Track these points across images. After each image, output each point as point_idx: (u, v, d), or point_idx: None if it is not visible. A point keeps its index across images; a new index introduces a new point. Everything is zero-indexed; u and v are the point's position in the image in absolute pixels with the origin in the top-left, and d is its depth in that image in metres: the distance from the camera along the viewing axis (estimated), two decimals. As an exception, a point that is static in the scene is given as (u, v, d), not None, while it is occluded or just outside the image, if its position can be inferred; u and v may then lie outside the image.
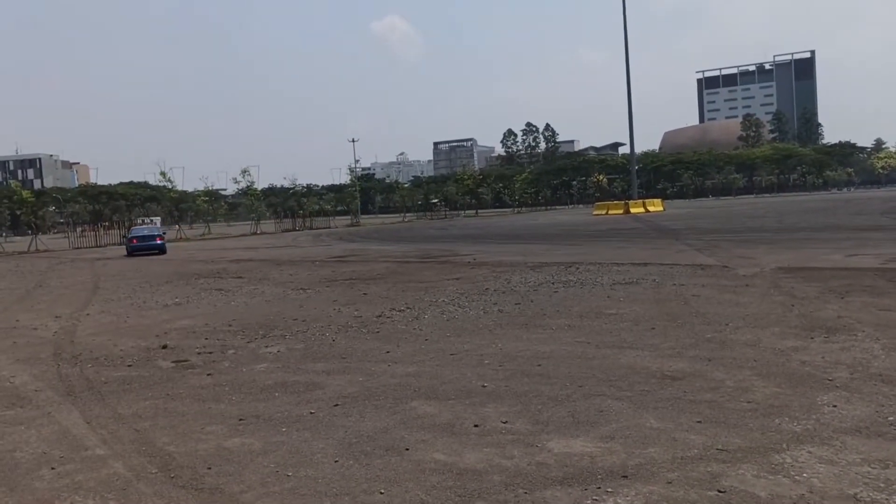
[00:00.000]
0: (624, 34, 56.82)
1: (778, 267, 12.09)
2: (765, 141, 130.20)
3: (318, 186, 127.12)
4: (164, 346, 8.33)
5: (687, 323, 7.74)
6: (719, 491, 3.39)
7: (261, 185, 73.34)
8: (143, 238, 32.03)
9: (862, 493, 3.25)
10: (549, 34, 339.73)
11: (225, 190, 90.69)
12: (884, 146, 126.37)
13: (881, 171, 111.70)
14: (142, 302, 12.98)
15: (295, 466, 4.25)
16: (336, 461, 4.30)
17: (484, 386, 5.77)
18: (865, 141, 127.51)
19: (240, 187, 61.73)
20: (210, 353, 7.84)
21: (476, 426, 4.78)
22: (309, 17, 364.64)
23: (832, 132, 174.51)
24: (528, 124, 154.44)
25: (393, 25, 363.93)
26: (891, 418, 4.21)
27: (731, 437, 4.13)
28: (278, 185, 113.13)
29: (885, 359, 5.59)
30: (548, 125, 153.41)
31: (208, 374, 6.80)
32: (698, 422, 4.45)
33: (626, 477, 3.69)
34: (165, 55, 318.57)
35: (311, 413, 5.35)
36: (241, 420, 5.28)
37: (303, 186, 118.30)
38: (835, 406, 4.51)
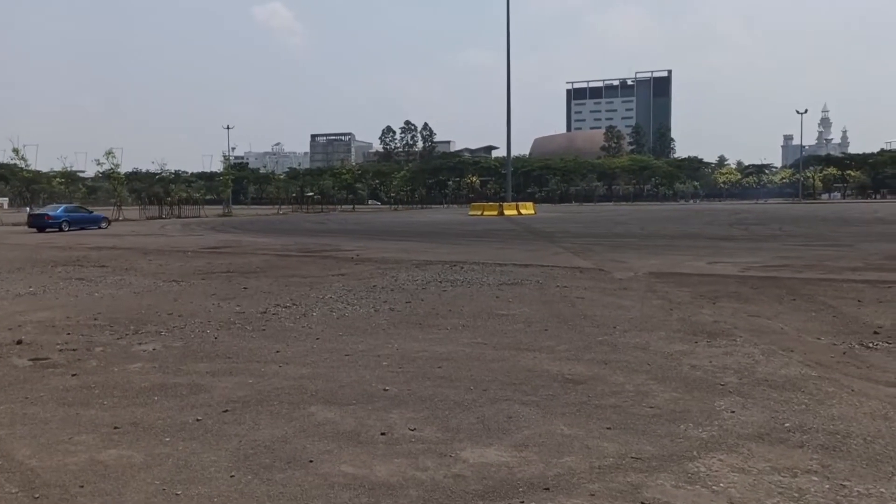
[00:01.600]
0: (507, 40, 58.39)
1: (649, 272, 12.80)
2: (624, 152, 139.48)
3: (186, 173, 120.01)
4: (19, 342, 7.33)
5: (577, 325, 7.92)
6: (643, 503, 3.40)
7: (126, 168, 68.20)
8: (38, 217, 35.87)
9: (779, 503, 3.37)
10: (429, 34, 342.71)
11: (84, 172, 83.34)
12: (726, 162, 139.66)
13: (723, 185, 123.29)
14: (-17, 291, 11.45)
15: (184, 483, 3.80)
16: (232, 476, 3.90)
17: (385, 389, 5.53)
18: (711, 157, 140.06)
19: (102, 170, 56.76)
20: (74, 350, 6.99)
21: (383, 434, 4.53)
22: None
23: (683, 147, 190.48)
24: (407, 122, 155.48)
25: (275, 12, 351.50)
26: (787, 424, 4.46)
27: (642, 444, 4.19)
28: (143, 170, 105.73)
29: (766, 364, 5.98)
30: (426, 125, 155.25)
31: (73, 375, 6.04)
32: (608, 428, 4.49)
33: (547, 489, 3.61)
34: (29, 18, 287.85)
35: (198, 420, 4.86)
36: (116, 428, 4.69)
37: (171, 172, 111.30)
38: (733, 412, 4.72)
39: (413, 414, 4.91)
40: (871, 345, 6.69)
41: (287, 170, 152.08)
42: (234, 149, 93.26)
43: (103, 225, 37.37)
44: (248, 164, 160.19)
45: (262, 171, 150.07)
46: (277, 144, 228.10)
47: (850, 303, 9.06)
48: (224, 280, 12.69)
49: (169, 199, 61.86)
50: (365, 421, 4.79)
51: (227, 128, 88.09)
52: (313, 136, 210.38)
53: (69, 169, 66.41)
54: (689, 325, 7.73)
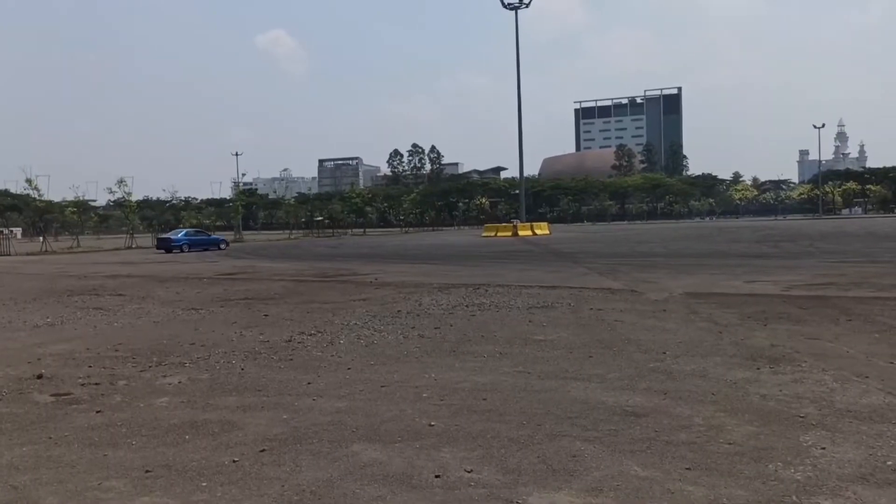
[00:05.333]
0: (516, 60, 58.44)
1: (685, 292, 12.35)
2: (636, 170, 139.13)
3: (196, 200, 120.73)
4: (39, 376, 6.99)
5: (623, 351, 7.49)
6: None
7: (137, 196, 68.53)
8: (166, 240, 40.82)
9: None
10: (434, 56, 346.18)
11: (95, 201, 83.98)
12: (741, 179, 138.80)
13: (739, 201, 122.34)
14: (6, 322, 11.19)
15: (227, 538, 3.41)
16: (278, 528, 3.51)
17: (431, 425, 5.12)
18: (725, 173, 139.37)
19: (114, 198, 56.97)
20: (97, 384, 6.64)
21: (437, 476, 4.13)
22: (192, 25, 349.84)
23: (696, 164, 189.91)
24: (414, 145, 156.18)
25: (278, 39, 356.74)
26: (889, 462, 4.01)
27: (731, 487, 3.76)
28: (154, 198, 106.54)
29: (843, 392, 5.53)
30: (433, 147, 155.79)
31: (98, 412, 5.68)
32: (687, 469, 4.06)
33: (638, 542, 3.20)
34: (37, 56, 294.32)
35: (234, 461, 4.47)
36: (147, 472, 4.31)
37: (181, 200, 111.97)
38: (823, 448, 4.28)
39: (466, 453, 4.50)
40: (949, 369, 6.22)
41: (296, 195, 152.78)
42: (243, 175, 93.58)
43: (223, 246, 41.75)
44: (256, 189, 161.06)
45: (272, 196, 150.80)
46: (285, 170, 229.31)
47: (910, 323, 8.58)
48: (244, 307, 12.36)
49: (180, 226, 61.91)
50: (414, 461, 4.39)
51: (236, 154, 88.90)
52: (321, 161, 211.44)
53: (81, 198, 66.64)
54: (744, 350, 7.28)
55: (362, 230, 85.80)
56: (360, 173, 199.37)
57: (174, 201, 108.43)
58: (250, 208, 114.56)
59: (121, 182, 52.60)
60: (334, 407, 5.71)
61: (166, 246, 39.61)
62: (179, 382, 6.66)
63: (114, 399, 6.08)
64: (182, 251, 38.70)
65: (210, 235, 45.88)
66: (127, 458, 4.58)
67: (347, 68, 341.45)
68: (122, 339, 9.13)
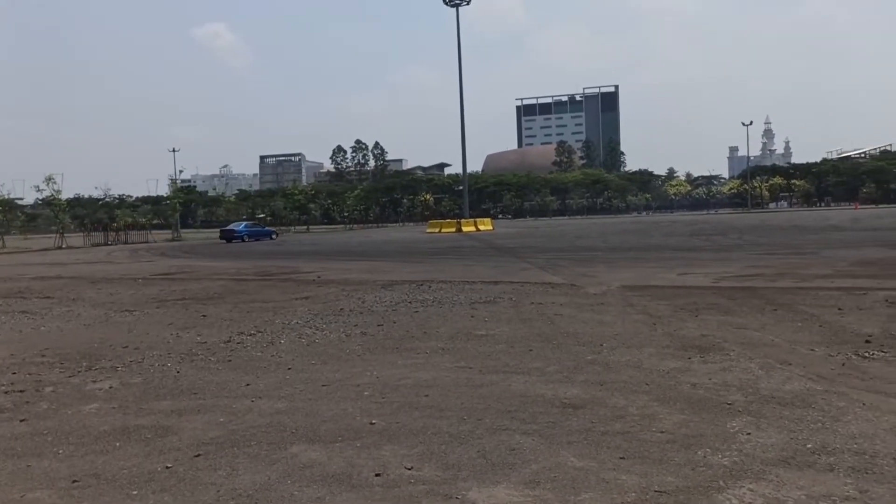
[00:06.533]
0: (458, 57, 58.64)
1: (622, 285, 12.66)
2: (576, 167, 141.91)
3: (131, 198, 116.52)
4: (-45, 387, 6.62)
5: (562, 344, 7.64)
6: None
7: (67, 194, 65.51)
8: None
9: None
10: (378, 52, 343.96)
11: (22, 199, 79.78)
12: (675, 175, 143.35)
13: (673, 196, 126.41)
14: (-87, 328, 10.52)
15: (159, 547, 3.32)
16: (214, 534, 3.43)
17: (372, 423, 5.11)
18: (660, 169, 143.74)
19: (43, 196, 54.26)
20: (21, 391, 6.33)
21: (378, 475, 4.11)
22: (125, 16, 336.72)
23: (633, 160, 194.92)
24: (358, 141, 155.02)
25: (217, 34, 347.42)
26: (809, 445, 4.22)
27: (663, 475, 3.88)
28: (85, 195, 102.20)
29: (768, 379, 5.78)
30: (377, 143, 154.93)
31: (22, 420, 5.42)
32: (622, 458, 4.17)
33: (573, 531, 3.27)
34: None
35: (168, 468, 4.35)
36: (74, 482, 4.15)
37: (115, 197, 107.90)
38: (749, 434, 4.46)
39: (407, 450, 4.51)
40: (867, 354, 6.58)
41: (237, 192, 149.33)
42: (181, 172, 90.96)
43: (273, 237, 50.82)
44: (195, 186, 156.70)
45: (211, 193, 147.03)
46: (225, 166, 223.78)
47: (832, 311, 9.03)
48: (181, 308, 12.01)
49: (114, 224, 59.63)
50: (355, 460, 4.37)
51: (173, 151, 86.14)
52: (262, 158, 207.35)
53: (7, 196, 63.35)
54: (677, 340, 7.53)
55: (305, 227, 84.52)
56: (303, 170, 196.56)
57: (107, 199, 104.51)
58: (189, 206, 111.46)
59: (49, 179, 50.21)
60: (274, 408, 5.61)
61: (229, 236, 47.25)
62: (110, 387, 6.43)
63: (39, 406, 5.82)
64: (243, 241, 46.02)
65: (263, 228, 55.15)
66: (52, 467, 4.40)
67: (290, 63, 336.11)
68: (50, 344, 8.74)
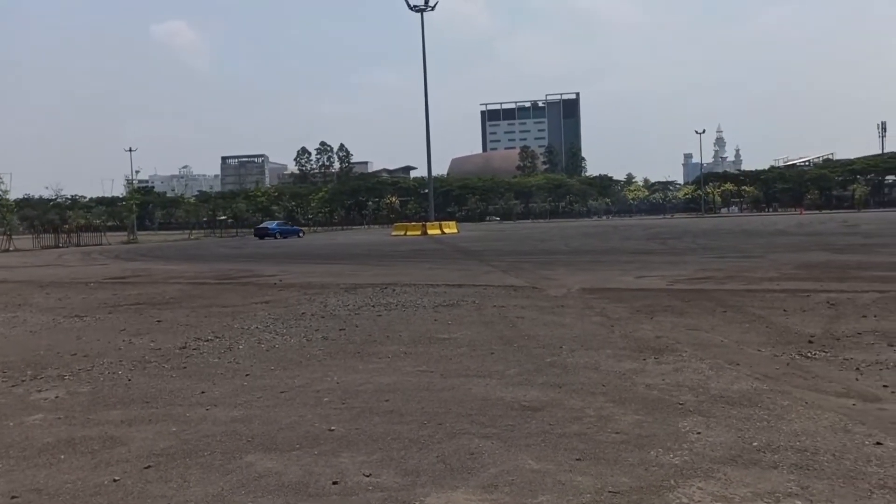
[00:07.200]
0: (423, 61, 58.66)
1: (582, 288, 12.82)
2: (539, 171, 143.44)
3: (85, 198, 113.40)
4: None
5: (523, 347, 7.68)
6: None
7: (16, 194, 63.33)
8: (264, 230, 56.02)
9: (776, 532, 3.17)
10: (344, 54, 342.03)
11: (-33, 200, 76.90)
12: (634, 180, 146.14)
13: (632, 201, 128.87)
14: None
15: (104, 563, 3.21)
16: (162, 548, 3.34)
17: (331, 430, 5.05)
18: (619, 175, 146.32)
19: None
20: (-41, 404, 6.08)
21: (335, 483, 4.06)
22: (78, 10, 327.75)
23: (593, 165, 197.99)
24: (323, 143, 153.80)
25: (176, 30, 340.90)
26: (755, 443, 4.32)
27: (616, 475, 3.93)
28: (36, 196, 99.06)
29: (717, 379, 5.91)
30: (342, 145, 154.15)
31: (-41, 436, 5.20)
32: (578, 459, 4.21)
33: (528, 535, 3.28)
34: None
35: (115, 480, 4.22)
36: (13, 498, 3.99)
37: (67, 198, 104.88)
38: (699, 433, 4.55)
39: (365, 457, 4.47)
40: (809, 354, 6.78)
41: (197, 193, 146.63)
42: (137, 172, 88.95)
43: (301, 234, 57.94)
44: (153, 187, 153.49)
45: (170, 194, 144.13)
46: (185, 167, 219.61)
47: (778, 312, 9.29)
48: (134, 313, 11.72)
49: (66, 226, 57.95)
50: (312, 468, 4.31)
51: (130, 150, 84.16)
52: (224, 158, 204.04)
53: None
54: (633, 342, 7.65)
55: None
56: (266, 171, 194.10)
57: (59, 200, 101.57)
58: (146, 207, 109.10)
59: (-5, 179, 48.53)
60: (229, 416, 5.51)
61: (263, 234, 53.82)
62: (57, 397, 6.22)
63: (-20, 418, 5.60)
64: (275, 238, 52.03)
65: (292, 227, 61.78)
66: (-7, 482, 4.23)
67: (253, 63, 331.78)
68: (-6, 352, 8.44)
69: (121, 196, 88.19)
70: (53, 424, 5.40)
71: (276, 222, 63.16)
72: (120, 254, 36.06)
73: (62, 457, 4.66)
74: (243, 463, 4.44)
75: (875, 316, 8.79)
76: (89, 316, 11.47)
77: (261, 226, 60.02)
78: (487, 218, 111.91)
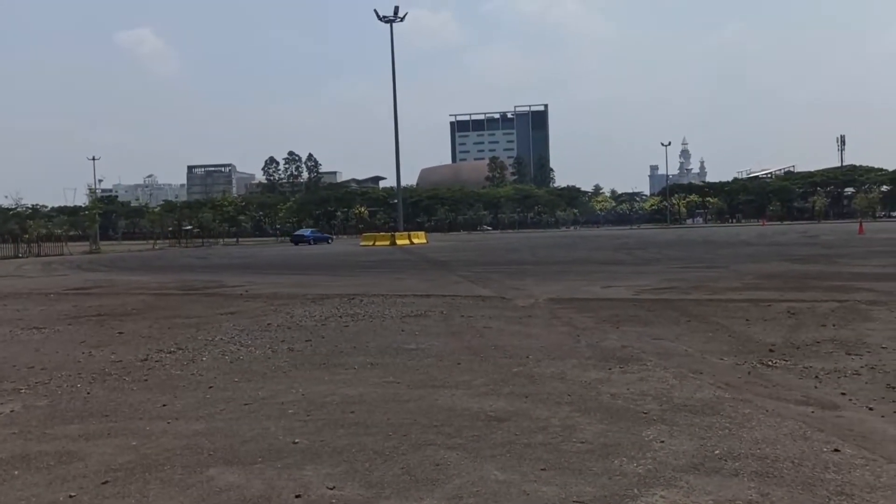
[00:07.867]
0: (392, 72, 58.78)
1: (550, 298, 12.91)
2: (508, 182, 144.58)
3: (46, 207, 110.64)
4: None
5: (490, 357, 7.70)
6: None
7: (-29, 204, 61.60)
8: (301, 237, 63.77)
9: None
10: (313, 63, 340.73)
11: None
12: (601, 191, 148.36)
13: (599, 212, 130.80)
14: None
15: (57, 582, 3.12)
16: (118, 566, 3.26)
17: (295, 442, 4.98)
18: (587, 186, 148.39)
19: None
20: None
21: (298, 496, 4.01)
22: (39, 12, 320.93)
23: (561, 176, 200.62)
24: (291, 153, 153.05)
25: (141, 38, 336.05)
26: (716, 451, 4.39)
27: (581, 484, 3.95)
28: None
29: (681, 388, 5.99)
30: (311, 155, 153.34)
31: None
32: (543, 469, 4.22)
33: (493, 546, 3.28)
34: None
35: (71, 497, 4.11)
36: (-37, 518, 3.86)
37: (27, 207, 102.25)
38: (662, 441, 4.61)
39: (329, 469, 4.42)
40: (770, 363, 6.93)
41: (162, 202, 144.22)
42: (101, 181, 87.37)
43: (330, 241, 65.30)
44: (117, 196, 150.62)
45: (134, 204, 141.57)
46: (150, 176, 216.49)
47: (740, 322, 9.48)
48: (95, 325, 11.45)
49: (26, 236, 56.44)
50: (275, 482, 4.24)
51: (93, 159, 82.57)
52: (190, 168, 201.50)
53: None
54: (599, 352, 7.72)
55: (235, 239, 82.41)
56: (234, 181, 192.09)
57: (18, 209, 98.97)
58: (109, 217, 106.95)
59: (-48, 189, 47.19)
60: (191, 429, 5.40)
61: (298, 239, 61.60)
62: (12, 411, 6.04)
63: (-70, 434, 5.40)
64: (309, 244, 58.55)
65: (322, 234, 69.44)
66: (-59, 501, 4.08)
67: (220, 73, 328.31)
68: (-54, 366, 8.15)
69: (83, 205, 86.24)
70: (8, 440, 5.23)
71: (310, 230, 70.15)
72: (82, 264, 35.24)
73: (16, 472, 4.51)
74: (204, 477, 4.36)
75: (834, 325, 9.02)
76: (48, 328, 11.17)
77: (297, 233, 67.33)
78: (479, 228, 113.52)
